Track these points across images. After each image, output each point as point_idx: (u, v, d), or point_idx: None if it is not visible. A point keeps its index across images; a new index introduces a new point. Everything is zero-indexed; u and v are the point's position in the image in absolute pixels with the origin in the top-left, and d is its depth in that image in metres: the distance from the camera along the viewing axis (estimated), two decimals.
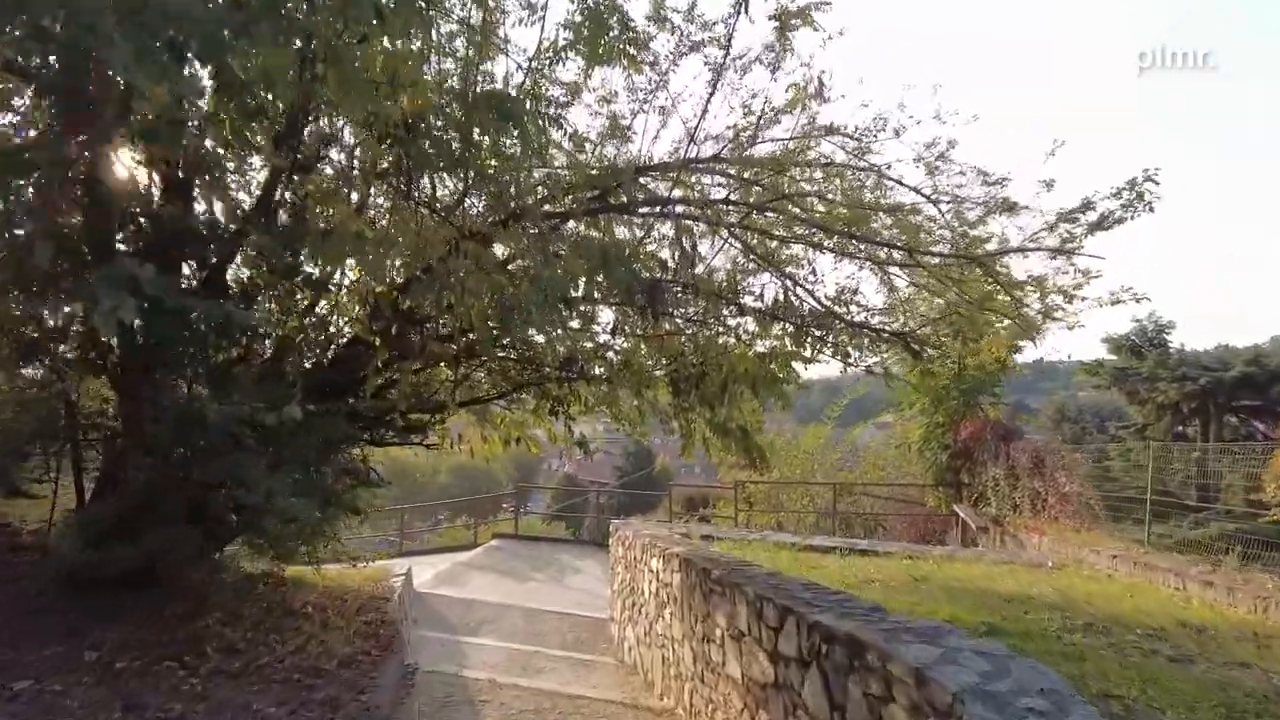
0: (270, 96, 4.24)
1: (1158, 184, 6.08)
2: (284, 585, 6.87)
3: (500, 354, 6.24)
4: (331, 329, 6.36)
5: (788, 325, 5.82)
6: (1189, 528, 11.44)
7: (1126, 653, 5.33)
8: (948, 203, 6.33)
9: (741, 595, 5.10)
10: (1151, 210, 6.15)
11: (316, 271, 5.37)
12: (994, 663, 3.02)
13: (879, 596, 5.97)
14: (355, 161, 5.49)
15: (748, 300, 6.00)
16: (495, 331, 4.68)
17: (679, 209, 5.85)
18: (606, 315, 6.19)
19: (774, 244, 6.42)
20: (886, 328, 6.65)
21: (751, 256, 6.38)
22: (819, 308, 6.15)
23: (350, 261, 5.19)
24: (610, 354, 6.16)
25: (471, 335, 5.38)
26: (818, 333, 6.08)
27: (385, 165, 5.11)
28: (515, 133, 4.52)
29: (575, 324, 5.63)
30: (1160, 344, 20.40)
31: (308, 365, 6.18)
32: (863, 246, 6.21)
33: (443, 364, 6.37)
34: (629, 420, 7.22)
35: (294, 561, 7.75)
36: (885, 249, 6.40)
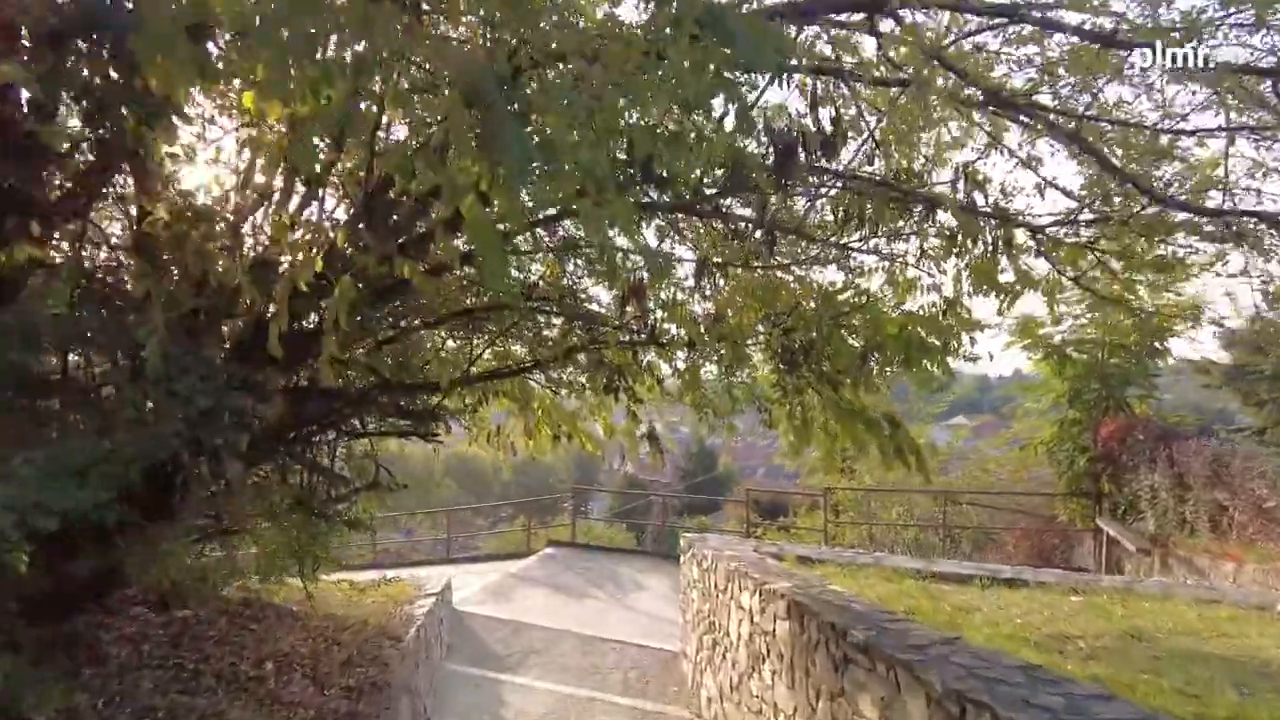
0: None
1: None
2: (262, 619, 5.30)
3: (528, 303, 4.45)
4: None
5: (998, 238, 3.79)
6: None
7: None
8: None
9: (915, 681, 3.18)
10: None
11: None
12: None
13: (1103, 671, 3.95)
14: None
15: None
16: (501, 226, 2.89)
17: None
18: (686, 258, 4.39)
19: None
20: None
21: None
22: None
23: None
24: (696, 306, 4.31)
25: (466, 264, 3.65)
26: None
27: None
28: None
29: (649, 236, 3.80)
30: None
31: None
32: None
33: (439, 321, 4.64)
34: (713, 408, 5.38)
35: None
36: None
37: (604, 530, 23.45)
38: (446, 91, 2.39)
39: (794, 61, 3.28)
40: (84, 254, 3.77)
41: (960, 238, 3.73)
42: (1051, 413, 12.67)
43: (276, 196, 3.77)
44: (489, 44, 2.65)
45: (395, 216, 3.23)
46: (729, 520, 27.70)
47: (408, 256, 3.05)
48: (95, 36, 2.60)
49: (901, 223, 3.94)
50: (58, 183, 3.37)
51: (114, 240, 4.06)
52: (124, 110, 2.72)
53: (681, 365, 4.95)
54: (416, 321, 4.30)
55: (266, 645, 4.57)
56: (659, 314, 4.13)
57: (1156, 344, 11.41)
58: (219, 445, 2.96)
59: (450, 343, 6.21)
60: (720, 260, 3.98)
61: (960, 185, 3.60)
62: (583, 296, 4.49)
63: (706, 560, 7.52)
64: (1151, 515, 10.47)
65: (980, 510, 15.39)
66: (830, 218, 3.97)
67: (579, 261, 4.43)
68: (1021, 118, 3.74)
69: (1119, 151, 3.89)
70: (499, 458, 7.49)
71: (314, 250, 3.13)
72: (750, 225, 3.80)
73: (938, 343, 3.95)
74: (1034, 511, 14.97)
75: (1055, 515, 13.69)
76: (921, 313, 4.08)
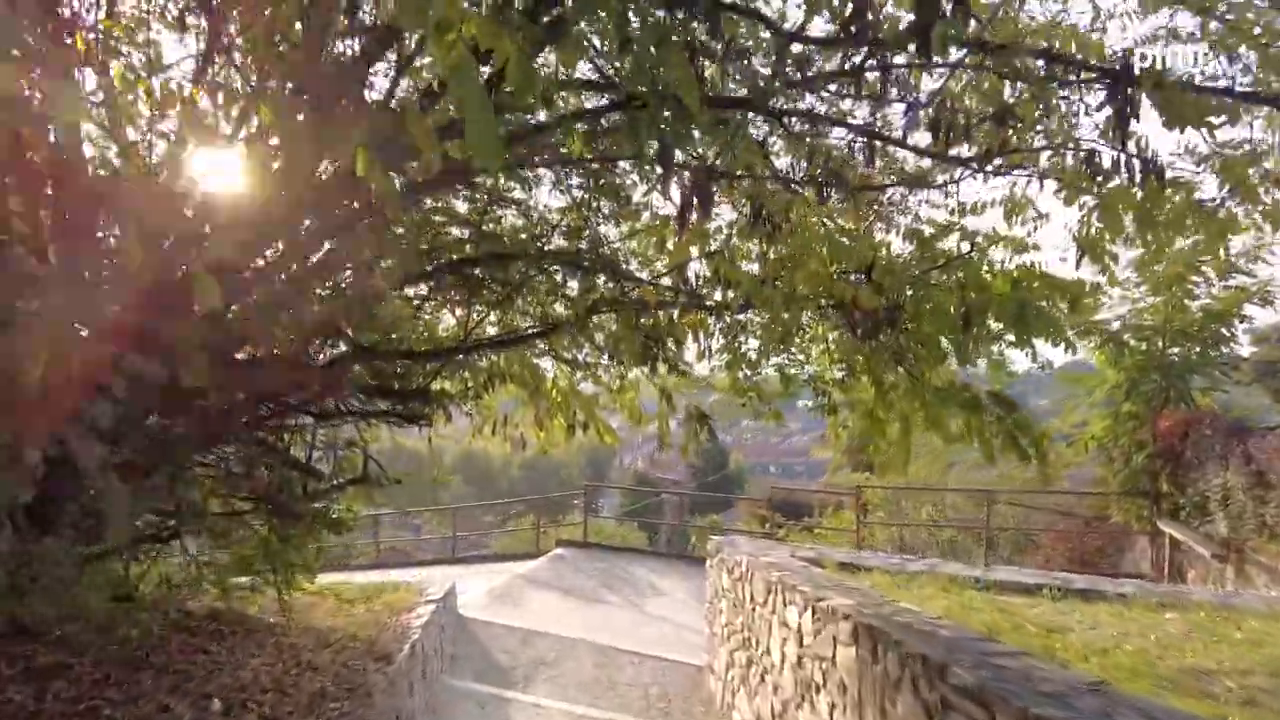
0: None
1: None
2: (227, 638, 4.49)
3: (538, 246, 3.58)
4: None
5: None
6: None
7: None
8: None
9: None
10: None
11: None
12: None
13: None
14: None
15: None
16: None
17: None
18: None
19: None
20: None
21: None
22: None
23: None
24: (747, 262, 3.41)
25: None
26: None
27: None
28: None
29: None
30: None
31: None
32: None
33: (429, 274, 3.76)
34: (758, 393, 4.50)
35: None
36: None
37: (615, 529, 22.65)
38: None
39: None
40: None
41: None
42: (1103, 406, 11.70)
43: None
44: None
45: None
46: (745, 519, 26.83)
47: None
48: None
49: (1040, 129, 3.04)
50: None
51: None
52: None
53: (720, 340, 4.10)
54: (394, 265, 3.46)
55: (221, 674, 3.76)
56: (702, 268, 3.29)
57: (1224, 330, 10.44)
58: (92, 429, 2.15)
59: (449, 317, 5.35)
60: (795, 186, 3.09)
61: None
62: (609, 250, 3.62)
63: (740, 568, 6.67)
64: (1224, 517, 9.52)
65: (1015, 511, 14.45)
66: (932, 134, 3.09)
67: (604, 203, 3.57)
68: None
69: None
70: (506, 451, 6.65)
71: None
72: (845, 132, 2.93)
73: (1062, 306, 3.07)
74: (1072, 512, 14.03)
75: (1100, 516, 12.73)
76: (1033, 268, 3.21)
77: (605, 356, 4.87)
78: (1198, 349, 10.75)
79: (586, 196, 3.37)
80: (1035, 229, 3.21)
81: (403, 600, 7.52)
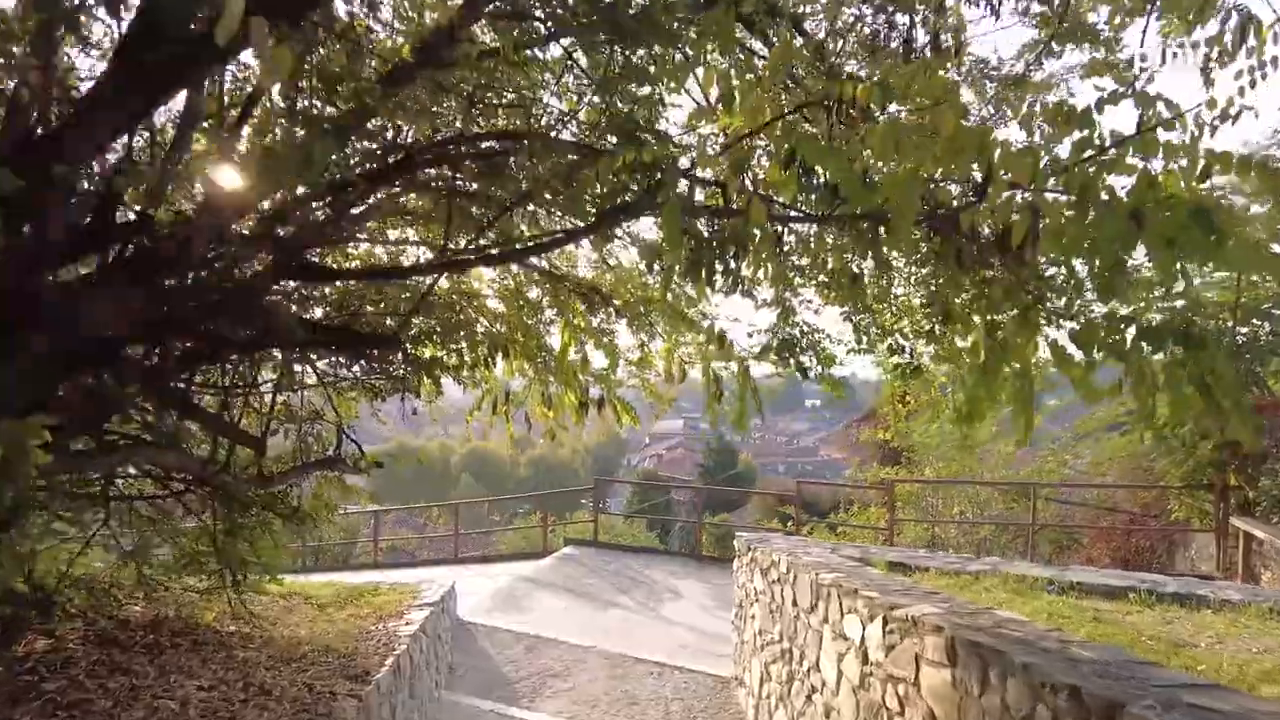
0: None
1: None
2: (166, 650, 3.65)
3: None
4: None
5: None
6: None
7: None
8: None
9: None
10: None
11: None
12: None
13: None
14: None
15: None
16: None
17: None
18: None
19: None
20: None
21: None
22: None
23: None
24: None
25: None
26: None
27: None
28: None
29: None
30: None
31: None
32: None
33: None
34: (816, 354, 3.61)
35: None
36: None
37: (625, 528, 21.81)
38: None
39: None
40: None
41: None
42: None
43: None
44: None
45: None
46: (757, 518, 25.88)
47: None
48: None
49: None
50: None
51: None
52: None
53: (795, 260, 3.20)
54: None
55: (134, 707, 2.91)
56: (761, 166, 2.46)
57: None
58: None
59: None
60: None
61: None
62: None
63: (777, 569, 5.79)
64: None
65: (1053, 507, 13.47)
66: None
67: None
68: None
69: None
70: (509, 433, 5.79)
71: None
72: None
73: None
74: (1116, 508, 13.05)
75: (1149, 513, 11.75)
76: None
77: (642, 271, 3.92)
78: (1270, 328, 9.78)
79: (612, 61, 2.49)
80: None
81: (393, 604, 6.69)
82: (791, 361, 3.79)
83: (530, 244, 3.10)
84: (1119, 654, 2.73)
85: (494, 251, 3.17)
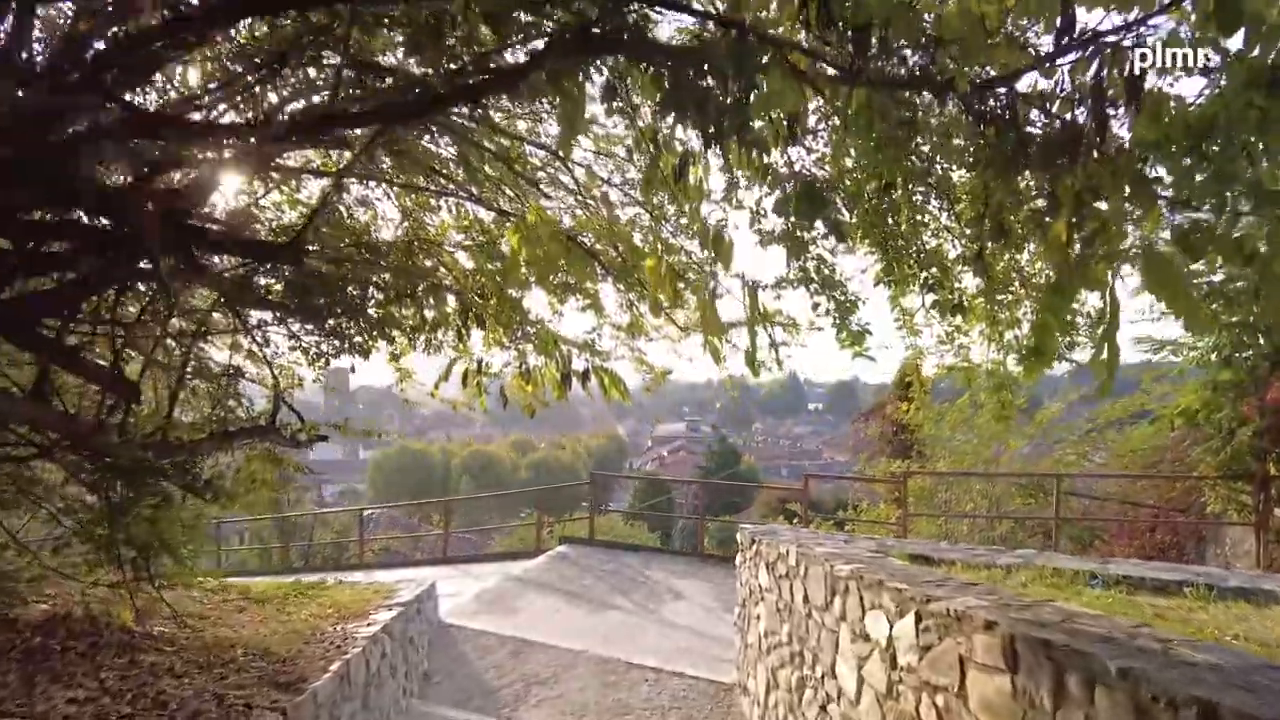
0: None
1: None
2: (61, 651, 3.02)
3: None
4: None
5: None
6: None
7: None
8: None
9: None
10: None
11: None
12: None
13: None
14: None
15: None
16: None
17: None
18: None
19: None
20: None
21: None
22: None
23: None
24: None
25: None
26: None
27: None
28: None
29: None
30: None
31: None
32: None
33: None
34: (835, 303, 2.95)
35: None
36: None
37: (625, 528, 21.19)
38: None
39: None
40: None
41: None
42: (1191, 376, 10.05)
43: None
44: None
45: None
46: (760, 519, 25.19)
47: None
48: None
49: None
50: None
51: None
52: None
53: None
54: None
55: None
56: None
57: None
58: None
59: None
60: None
61: None
62: None
63: (786, 561, 5.15)
64: None
65: (1072, 502, 12.78)
66: None
67: None
68: None
69: None
70: (482, 404, 5.17)
71: None
72: None
73: None
74: (1139, 501, 12.36)
75: (1176, 506, 11.07)
76: None
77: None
78: None
79: None
80: None
81: (360, 603, 6.06)
82: (809, 296, 3.15)
83: (443, 91, 2.40)
84: (1242, 657, 2.09)
85: (400, 102, 2.50)
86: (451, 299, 4.69)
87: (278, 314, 3.60)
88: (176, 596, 4.85)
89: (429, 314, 4.13)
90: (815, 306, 3.22)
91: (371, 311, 3.95)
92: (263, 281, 3.63)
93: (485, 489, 54.39)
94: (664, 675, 6.79)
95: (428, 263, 4.08)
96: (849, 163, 2.66)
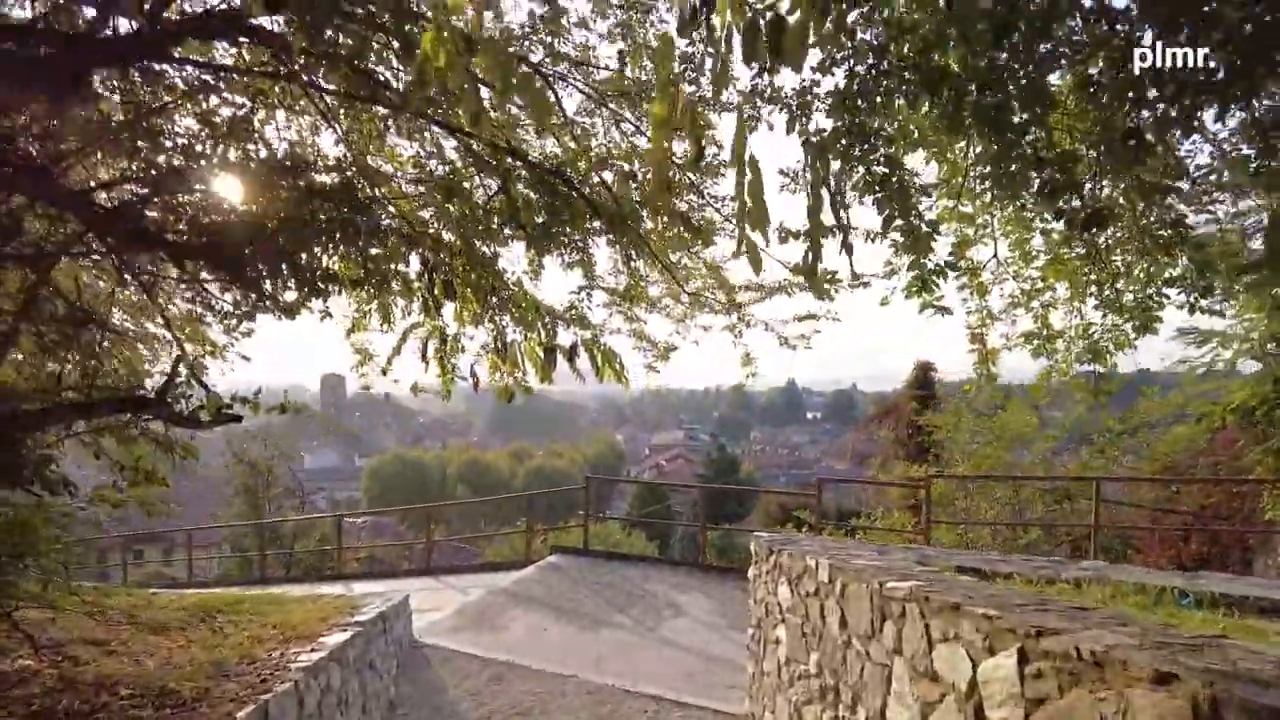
0: None
1: None
2: None
3: None
4: None
5: None
6: None
7: None
8: None
9: None
10: None
11: None
12: None
13: None
14: None
15: None
16: None
17: None
18: None
19: None
20: None
21: None
22: None
23: None
24: None
25: None
26: None
27: None
28: None
29: None
30: None
31: None
32: None
33: None
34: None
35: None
36: None
37: (623, 538, 20.30)
38: None
39: None
40: None
41: None
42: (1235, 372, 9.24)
43: None
44: None
45: None
46: (761, 528, 24.26)
47: None
48: None
49: None
50: None
51: None
52: None
53: None
54: None
55: None
56: None
57: None
58: None
59: None
60: None
61: None
62: None
63: (813, 576, 4.29)
64: None
65: (1090, 506, 11.89)
66: None
67: None
68: None
69: None
70: (450, 387, 4.32)
71: None
72: None
73: None
74: (1175, 509, 11.51)
75: (1218, 513, 10.23)
76: None
77: None
78: None
79: None
80: None
81: (311, 622, 5.18)
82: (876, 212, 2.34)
83: None
84: None
85: None
86: (415, 260, 3.86)
87: (169, 254, 2.80)
88: (79, 620, 4.01)
89: (373, 261, 3.29)
90: (888, 221, 2.38)
91: (303, 259, 3.12)
92: (153, 215, 2.82)
93: (480, 497, 53.41)
94: (665, 705, 5.92)
95: (372, 192, 3.26)
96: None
